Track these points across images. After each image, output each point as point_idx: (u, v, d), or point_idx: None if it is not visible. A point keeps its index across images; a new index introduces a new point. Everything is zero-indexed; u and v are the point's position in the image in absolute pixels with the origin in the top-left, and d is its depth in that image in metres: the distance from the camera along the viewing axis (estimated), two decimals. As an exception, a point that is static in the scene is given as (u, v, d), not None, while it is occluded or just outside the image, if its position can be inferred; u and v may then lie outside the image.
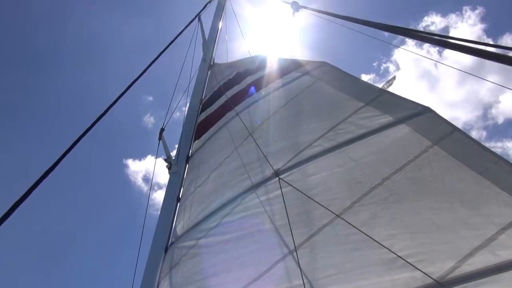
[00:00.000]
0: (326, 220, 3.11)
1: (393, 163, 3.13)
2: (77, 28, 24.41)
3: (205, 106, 6.77)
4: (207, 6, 9.25)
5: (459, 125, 3.03)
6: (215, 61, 8.25)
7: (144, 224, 5.05)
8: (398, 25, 3.29)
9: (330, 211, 3.08)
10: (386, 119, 3.51)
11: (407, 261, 2.50)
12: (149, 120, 26.98)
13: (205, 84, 7.51)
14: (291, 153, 3.97)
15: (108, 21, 24.14)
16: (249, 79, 6.22)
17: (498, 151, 2.77)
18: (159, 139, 5.64)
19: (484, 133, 25.56)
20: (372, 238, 2.70)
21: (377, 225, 2.84)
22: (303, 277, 2.81)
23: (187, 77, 7.43)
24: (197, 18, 8.39)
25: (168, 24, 24.62)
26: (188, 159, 5.77)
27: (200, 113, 6.72)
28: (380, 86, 4.05)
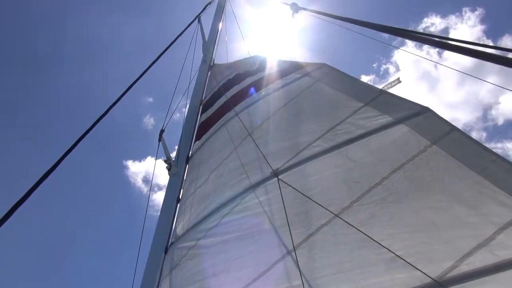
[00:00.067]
0: (324, 219, 3.11)
1: (392, 162, 3.13)
2: (77, 29, 24.51)
3: (206, 107, 6.78)
4: (207, 7, 9.27)
5: (459, 126, 3.04)
6: (215, 62, 8.27)
7: (144, 225, 5.06)
8: (398, 26, 3.30)
9: (329, 210, 3.08)
10: (385, 119, 3.52)
11: (406, 261, 2.51)
12: (149, 121, 27.03)
13: (205, 85, 7.52)
14: (290, 153, 3.98)
15: (108, 22, 24.23)
16: (248, 80, 6.24)
17: (498, 152, 2.76)
18: (159, 140, 5.65)
19: (484, 134, 25.57)
20: (371, 238, 2.71)
21: (376, 225, 2.85)
22: (302, 276, 2.81)
23: (187, 78, 7.45)
24: (197, 20, 8.39)
25: (168, 25, 24.69)
26: (188, 159, 5.78)
27: (201, 114, 6.73)
28: (381, 86, 4.05)
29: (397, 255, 2.55)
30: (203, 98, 7.17)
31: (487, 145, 2.82)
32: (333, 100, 4.30)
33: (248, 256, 3.44)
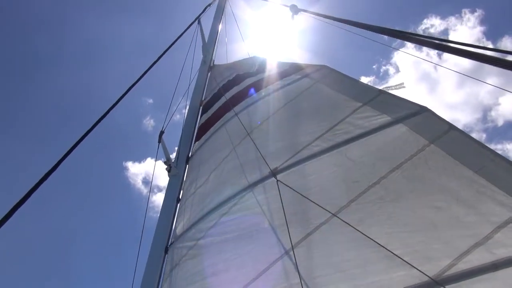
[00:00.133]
0: (323, 219, 3.12)
1: (390, 162, 3.14)
2: (77, 30, 24.58)
3: (206, 108, 6.79)
4: (207, 9, 9.29)
5: (459, 127, 3.04)
6: (214, 63, 8.29)
7: (143, 226, 5.07)
8: (397, 28, 3.30)
9: (326, 210, 3.09)
10: (383, 119, 3.53)
11: (403, 260, 2.51)
12: (149, 122, 27.05)
13: (205, 86, 7.54)
14: (289, 153, 4.00)
15: (108, 23, 24.30)
16: (248, 81, 6.26)
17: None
18: (159, 141, 5.65)
19: (484, 135, 25.57)
20: (369, 237, 2.72)
21: (374, 224, 2.85)
22: (301, 275, 2.82)
23: (187, 79, 7.46)
24: (197, 21, 8.41)
25: (168, 27, 24.72)
26: (188, 159, 5.79)
27: (201, 115, 6.75)
28: (382, 88, 4.06)
29: (395, 254, 2.56)
30: (203, 99, 7.19)
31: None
32: (332, 101, 4.32)
33: (247, 256, 3.44)
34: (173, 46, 6.25)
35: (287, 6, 6.91)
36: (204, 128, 6.23)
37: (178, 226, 4.60)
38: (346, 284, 2.69)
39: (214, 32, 9.06)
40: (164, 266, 4.21)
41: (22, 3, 22.77)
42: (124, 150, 27.06)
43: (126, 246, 22.25)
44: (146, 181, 24.13)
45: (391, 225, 2.78)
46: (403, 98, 3.61)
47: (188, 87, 7.24)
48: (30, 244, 20.92)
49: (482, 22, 26.19)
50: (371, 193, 3.06)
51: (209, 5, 9.56)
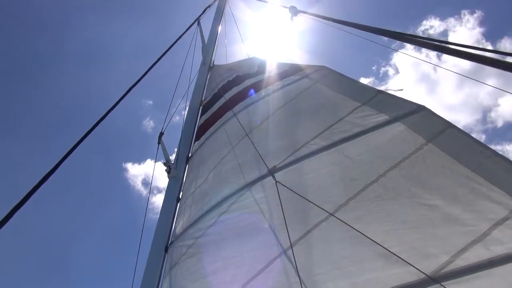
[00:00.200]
0: (321, 217, 3.13)
1: (388, 160, 3.16)
2: (77, 32, 24.62)
3: (205, 108, 6.82)
4: (206, 10, 9.32)
5: (458, 127, 3.04)
6: (214, 64, 8.32)
7: (143, 226, 5.09)
8: (397, 30, 3.31)
9: (323, 210, 3.11)
10: (381, 117, 3.55)
11: (401, 257, 2.53)
12: (148, 124, 27.06)
13: (205, 86, 7.56)
14: (288, 152, 4.02)
15: (109, 24, 24.35)
16: (248, 82, 6.29)
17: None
18: (158, 143, 5.65)
19: (484, 136, 25.57)
20: (366, 235, 2.73)
21: (372, 222, 2.87)
22: (300, 273, 2.83)
23: (186, 81, 7.48)
24: (196, 22, 8.44)
25: (168, 28, 24.73)
26: (188, 159, 5.82)
27: (201, 116, 6.78)
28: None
29: (392, 252, 2.57)
30: (203, 100, 7.22)
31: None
32: (331, 100, 4.35)
33: (247, 254, 3.46)
34: (173, 47, 6.27)
35: (286, 7, 6.93)
36: (203, 128, 6.25)
37: (178, 225, 4.62)
38: (344, 281, 2.71)
39: (214, 33, 9.08)
40: (164, 265, 4.22)
41: (23, 4, 22.85)
42: (124, 151, 27.08)
43: (126, 246, 22.24)
44: (146, 183, 24.14)
45: (389, 223, 2.80)
46: (401, 98, 3.64)
47: (188, 88, 7.26)
48: (30, 245, 20.95)
49: (481, 23, 26.24)
50: (369, 191, 3.07)
51: (209, 6, 9.59)
